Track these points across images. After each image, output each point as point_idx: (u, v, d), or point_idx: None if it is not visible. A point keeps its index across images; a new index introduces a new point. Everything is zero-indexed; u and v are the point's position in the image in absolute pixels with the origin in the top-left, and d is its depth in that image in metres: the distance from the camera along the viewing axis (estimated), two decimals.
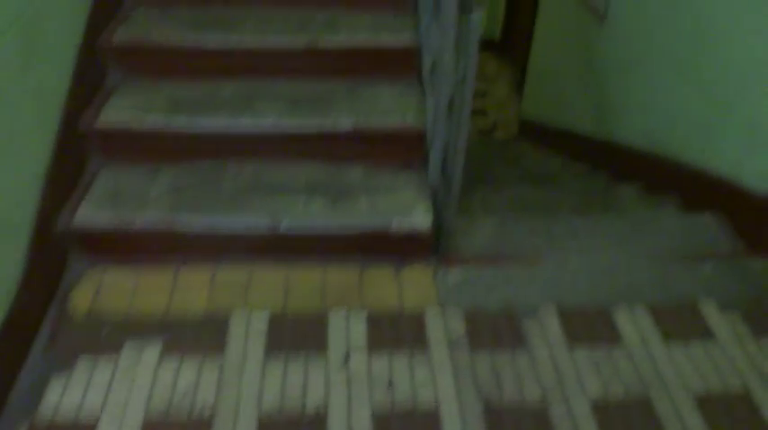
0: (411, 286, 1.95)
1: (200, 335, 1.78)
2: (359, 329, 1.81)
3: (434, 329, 1.81)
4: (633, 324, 1.88)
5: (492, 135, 4.95)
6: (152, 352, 1.74)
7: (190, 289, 1.91)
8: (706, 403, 1.66)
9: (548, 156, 4.05)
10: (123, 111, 2.16)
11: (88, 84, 2.18)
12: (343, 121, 2.14)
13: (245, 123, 2.13)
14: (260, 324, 1.80)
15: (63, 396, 1.65)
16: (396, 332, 1.80)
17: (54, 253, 1.95)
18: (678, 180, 2.64)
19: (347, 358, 1.74)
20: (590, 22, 3.40)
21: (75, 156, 2.08)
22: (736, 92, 2.24)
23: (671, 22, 2.62)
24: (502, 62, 5.50)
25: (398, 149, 2.18)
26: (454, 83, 1.91)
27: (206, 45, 2.29)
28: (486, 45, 5.68)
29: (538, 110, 4.49)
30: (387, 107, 2.21)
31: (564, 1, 3.83)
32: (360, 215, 1.99)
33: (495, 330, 1.82)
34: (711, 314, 1.93)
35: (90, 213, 1.96)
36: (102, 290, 1.93)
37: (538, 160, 4.02)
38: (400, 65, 2.35)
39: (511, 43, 5.39)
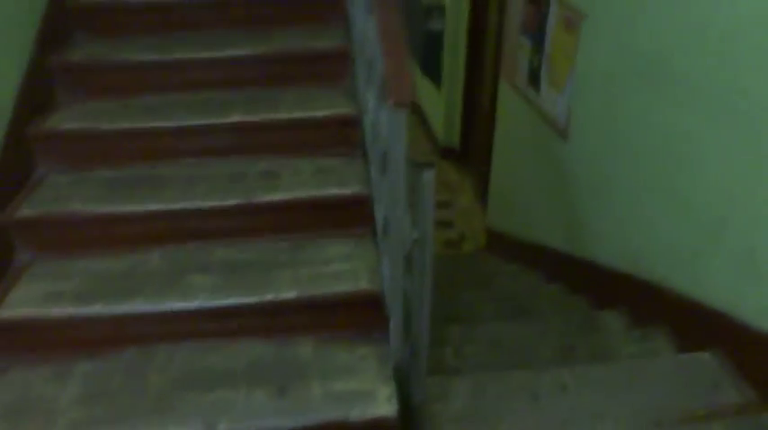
0: None
1: None
2: None
3: None
4: None
5: (459, 247, 4.73)
6: None
7: None
8: None
9: (520, 272, 3.80)
10: (29, 300, 1.86)
11: None
12: (286, 291, 1.86)
13: (173, 303, 1.84)
14: None
15: None
16: None
17: None
18: (667, 309, 2.40)
19: None
20: (553, 136, 3.24)
21: None
22: (724, 215, 2.02)
23: (641, 139, 2.45)
24: (464, 170, 5.35)
25: (353, 317, 1.90)
26: (410, 242, 1.66)
27: (126, 214, 2.02)
28: (448, 153, 5.56)
29: (505, 221, 4.29)
30: (336, 269, 1.94)
31: (522, 114, 3.69)
32: (312, 407, 1.67)
33: None
34: None
35: None
36: None
37: (510, 278, 3.78)
38: (350, 217, 2.10)
39: (471, 151, 5.27)
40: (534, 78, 3.43)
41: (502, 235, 4.30)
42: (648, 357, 2.31)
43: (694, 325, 2.24)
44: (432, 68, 5.76)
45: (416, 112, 6.39)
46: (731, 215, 1.99)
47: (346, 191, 2.10)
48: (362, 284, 1.88)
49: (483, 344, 2.57)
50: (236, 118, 2.30)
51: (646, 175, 2.44)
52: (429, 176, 1.56)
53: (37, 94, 2.30)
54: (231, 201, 2.05)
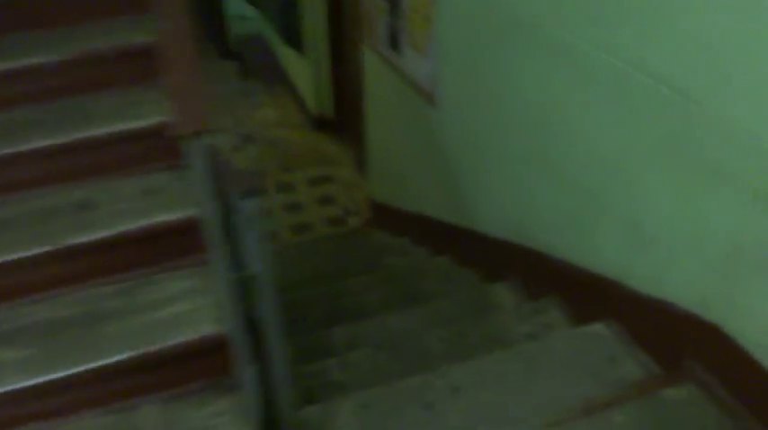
0: None
1: None
2: None
3: None
4: None
5: (344, 224, 4.48)
6: None
7: None
8: None
9: (408, 248, 3.62)
10: None
11: None
12: (115, 353, 1.55)
13: None
14: None
15: None
16: None
17: None
18: (557, 279, 2.26)
19: None
20: (422, 102, 3.01)
21: None
22: (605, 186, 1.87)
23: (510, 105, 2.26)
24: (342, 142, 5.08)
25: (200, 366, 1.62)
26: (238, 279, 1.40)
27: None
28: (322, 123, 5.25)
29: (388, 193, 4.07)
30: (175, 312, 1.65)
31: (389, 80, 3.44)
32: None
33: None
34: None
35: None
36: None
37: (398, 256, 3.59)
38: (188, 244, 1.79)
39: (346, 121, 5.00)
40: (395, 42, 3.18)
41: (386, 207, 4.09)
42: (543, 334, 2.17)
43: (586, 295, 2.12)
44: (293, 37, 5.40)
45: (284, 82, 6.06)
46: (610, 183, 1.84)
47: (179, 215, 1.78)
48: (206, 327, 1.59)
49: (370, 345, 2.36)
50: (39, 142, 1.92)
51: (519, 143, 2.27)
52: (252, 206, 1.29)
53: None
54: (38, 249, 1.69)
